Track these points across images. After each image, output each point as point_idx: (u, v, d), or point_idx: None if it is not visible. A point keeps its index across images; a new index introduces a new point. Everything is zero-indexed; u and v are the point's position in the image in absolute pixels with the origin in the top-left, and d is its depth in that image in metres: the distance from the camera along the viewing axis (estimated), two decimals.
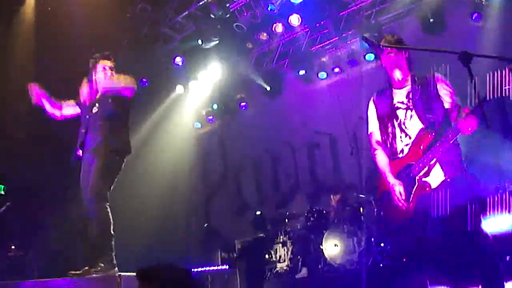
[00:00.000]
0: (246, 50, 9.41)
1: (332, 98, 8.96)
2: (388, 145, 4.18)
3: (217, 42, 8.61)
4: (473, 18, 7.50)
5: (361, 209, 7.42)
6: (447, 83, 4.05)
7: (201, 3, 8.38)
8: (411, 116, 4.05)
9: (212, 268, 8.67)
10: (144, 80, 9.57)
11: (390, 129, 4.16)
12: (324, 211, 7.97)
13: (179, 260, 9.15)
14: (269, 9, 8.24)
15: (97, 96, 5.33)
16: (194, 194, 11.18)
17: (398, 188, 4.00)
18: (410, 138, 4.04)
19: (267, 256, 8.35)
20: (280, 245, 8.30)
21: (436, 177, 3.89)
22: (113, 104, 5.21)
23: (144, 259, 7.84)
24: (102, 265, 4.80)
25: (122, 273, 4.52)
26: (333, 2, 8.31)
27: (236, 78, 9.99)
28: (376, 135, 4.29)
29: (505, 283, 3.79)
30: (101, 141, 5.11)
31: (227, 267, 8.61)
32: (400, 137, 4.09)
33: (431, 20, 7.65)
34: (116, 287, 4.43)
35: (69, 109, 5.53)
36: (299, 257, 7.97)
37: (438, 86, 4.02)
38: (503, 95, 3.59)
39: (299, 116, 9.80)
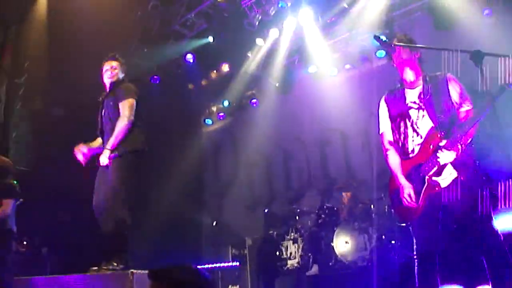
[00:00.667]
0: (257, 47, 9.41)
1: (343, 94, 8.94)
2: (400, 145, 4.16)
3: (227, 39, 8.63)
4: (485, 14, 7.45)
5: (372, 206, 7.41)
6: (458, 83, 4.05)
7: (212, 0, 8.39)
8: (422, 116, 4.04)
9: (223, 264, 8.69)
10: (155, 77, 9.65)
11: (402, 129, 4.14)
12: (335, 208, 7.97)
13: (190, 256, 9.22)
14: (279, 6, 8.25)
15: (104, 99, 5.38)
16: (206, 190, 11.23)
17: (408, 190, 4.00)
18: (421, 137, 4.02)
19: (277, 253, 8.36)
20: (291, 242, 8.30)
21: (447, 176, 3.88)
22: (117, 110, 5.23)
23: (155, 256, 7.96)
24: (115, 263, 4.85)
25: (134, 270, 4.57)
26: None
27: (247, 75, 10.00)
28: (388, 135, 4.27)
29: None
30: None
31: (238, 263, 8.61)
32: (412, 137, 4.08)
33: (442, 16, 7.60)
34: (129, 284, 4.48)
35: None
36: (310, 254, 7.96)
37: (450, 87, 4.02)
38: None
39: (310, 112, 9.77)
